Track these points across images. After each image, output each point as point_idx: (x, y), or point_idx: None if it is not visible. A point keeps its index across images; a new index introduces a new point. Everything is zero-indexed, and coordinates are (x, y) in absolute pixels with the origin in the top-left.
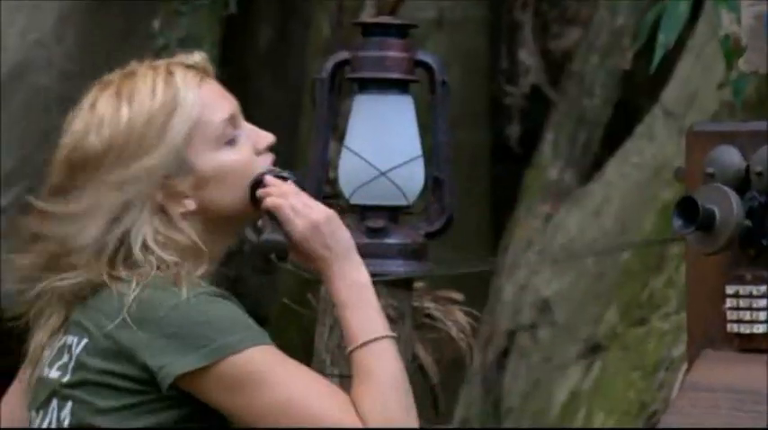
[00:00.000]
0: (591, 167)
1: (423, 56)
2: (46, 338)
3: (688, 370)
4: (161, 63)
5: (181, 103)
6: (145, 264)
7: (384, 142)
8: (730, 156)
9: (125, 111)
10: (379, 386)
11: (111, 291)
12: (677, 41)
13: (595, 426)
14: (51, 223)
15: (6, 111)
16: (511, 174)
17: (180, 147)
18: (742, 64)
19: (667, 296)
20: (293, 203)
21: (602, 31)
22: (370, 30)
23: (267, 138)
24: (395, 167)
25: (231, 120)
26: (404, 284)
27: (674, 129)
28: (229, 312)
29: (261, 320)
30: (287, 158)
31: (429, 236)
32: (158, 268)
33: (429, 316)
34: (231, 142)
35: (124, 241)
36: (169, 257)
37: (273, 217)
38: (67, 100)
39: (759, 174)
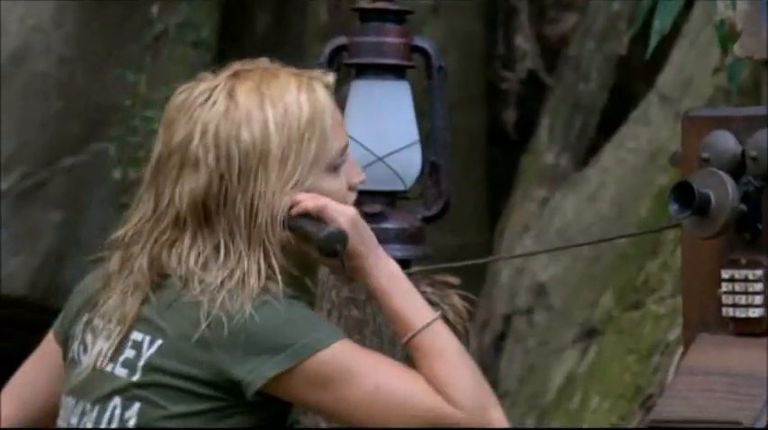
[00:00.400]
0: (587, 152)
1: (420, 41)
2: (116, 314)
3: (683, 353)
4: (302, 73)
5: (322, 123)
6: (237, 269)
7: (381, 127)
8: (726, 141)
9: (270, 112)
10: (455, 362)
11: (191, 292)
12: (673, 27)
13: (591, 410)
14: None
15: (6, 97)
16: (507, 159)
17: (309, 163)
18: (737, 49)
19: (663, 280)
20: (334, 204)
21: (598, 16)
22: (367, 15)
23: (360, 176)
24: (392, 152)
25: (344, 150)
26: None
27: (670, 115)
28: (304, 312)
29: None
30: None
31: (426, 220)
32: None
33: (426, 300)
34: (335, 169)
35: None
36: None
37: (315, 220)
38: (65, 85)
39: (754, 158)
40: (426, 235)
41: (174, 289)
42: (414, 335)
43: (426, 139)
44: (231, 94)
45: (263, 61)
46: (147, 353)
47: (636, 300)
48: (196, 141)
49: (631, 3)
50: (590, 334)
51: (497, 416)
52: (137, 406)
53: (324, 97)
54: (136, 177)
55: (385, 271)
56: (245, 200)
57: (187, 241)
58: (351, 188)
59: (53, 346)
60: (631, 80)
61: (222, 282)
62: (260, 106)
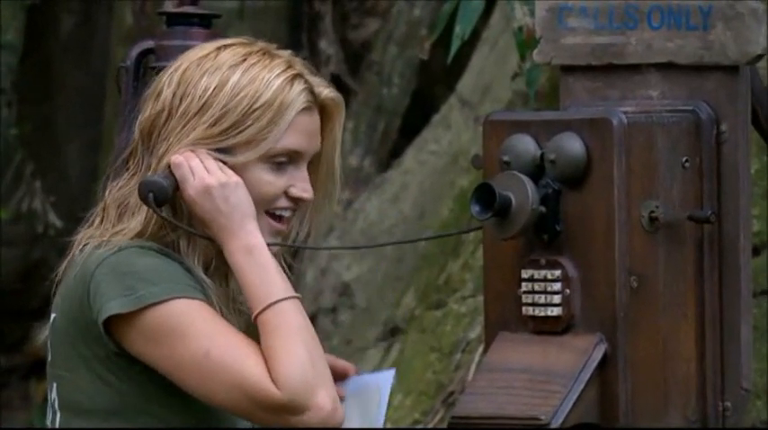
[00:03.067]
0: (389, 155)
1: None
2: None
3: (485, 351)
4: (299, 72)
5: (277, 113)
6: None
7: None
8: (525, 145)
9: (237, 76)
10: (291, 340)
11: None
12: (472, 33)
13: (394, 406)
14: None
15: None
16: None
17: (241, 140)
18: (535, 55)
19: (464, 280)
20: (193, 164)
21: (400, 22)
22: (173, 19)
23: (304, 192)
24: None
25: (292, 153)
26: None
27: (470, 118)
28: (157, 265)
29: None
30: (92, 143)
31: None
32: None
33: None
34: (274, 165)
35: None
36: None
37: (171, 174)
38: None
39: (553, 161)
40: None
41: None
42: (260, 312)
43: None
44: (220, 49)
45: (288, 52)
46: (50, 331)
47: (438, 299)
48: (167, 75)
49: (432, 9)
50: (393, 332)
51: (321, 400)
52: (54, 385)
53: (297, 96)
54: None
55: (242, 244)
56: (168, 141)
57: (129, 172)
58: (288, 195)
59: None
60: (432, 85)
61: (104, 231)
62: (232, 66)
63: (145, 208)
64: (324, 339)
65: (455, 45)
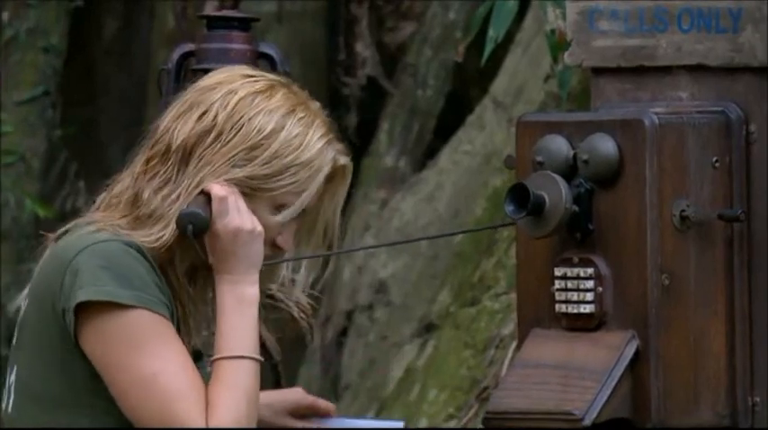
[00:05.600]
0: (424, 155)
1: (265, 48)
2: None
3: (518, 347)
4: (334, 138)
5: (310, 175)
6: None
7: None
8: (558, 145)
9: (289, 125)
10: (237, 397)
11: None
12: (506, 36)
13: (428, 402)
14: None
15: None
16: None
17: (274, 188)
18: (567, 57)
19: (497, 277)
20: (232, 202)
21: (435, 25)
22: (213, 22)
23: (286, 243)
24: None
25: (296, 212)
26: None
27: (503, 119)
28: (134, 268)
29: None
30: (134, 144)
31: None
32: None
33: (271, 296)
34: (278, 213)
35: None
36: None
37: (208, 203)
38: None
39: (585, 161)
40: None
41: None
42: (219, 358)
43: None
44: (273, 88)
45: (318, 105)
46: (21, 313)
47: (472, 296)
48: (219, 94)
49: (467, 12)
50: (428, 329)
51: None
52: (14, 368)
53: (328, 163)
54: None
55: (238, 290)
56: (211, 165)
57: (159, 177)
58: (273, 245)
59: None
60: (467, 86)
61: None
62: (286, 114)
63: (172, 226)
64: (360, 335)
65: (489, 47)
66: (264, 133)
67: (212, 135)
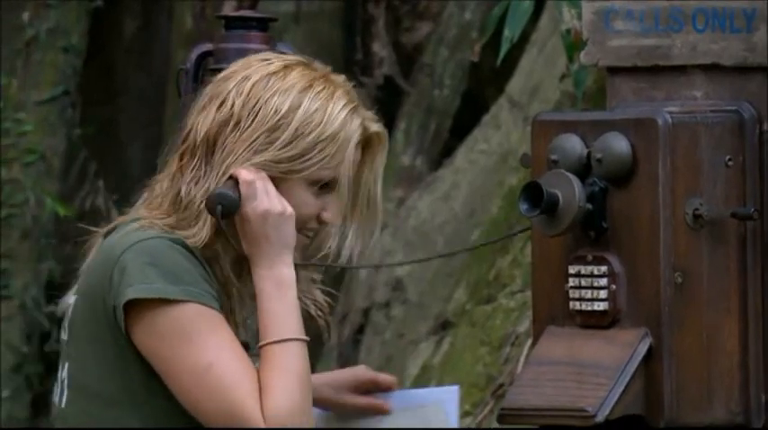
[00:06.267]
0: (441, 154)
1: (282, 47)
2: None
3: (533, 345)
4: (360, 106)
5: (336, 147)
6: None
7: None
8: (572, 144)
9: (307, 103)
10: (289, 380)
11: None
12: (521, 36)
13: None
14: None
15: None
16: None
17: (301, 167)
18: (582, 57)
19: (513, 275)
20: (260, 186)
21: (451, 25)
22: (231, 22)
23: (333, 218)
24: None
25: (334, 182)
26: None
27: (519, 118)
28: (182, 264)
29: None
30: (153, 143)
31: None
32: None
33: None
34: (318, 190)
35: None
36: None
37: (237, 188)
38: None
39: (599, 160)
40: None
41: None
42: (266, 344)
43: None
44: (288, 67)
45: (342, 78)
46: (70, 310)
47: (488, 294)
48: (234, 82)
49: (483, 12)
50: (444, 326)
51: None
52: (66, 365)
53: (355, 131)
54: (8, 178)
55: (274, 274)
56: (235, 153)
57: (192, 173)
58: (319, 220)
59: None
60: (482, 86)
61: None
62: (302, 91)
63: (209, 218)
64: (377, 333)
65: (504, 47)
66: (281, 113)
67: (231, 124)
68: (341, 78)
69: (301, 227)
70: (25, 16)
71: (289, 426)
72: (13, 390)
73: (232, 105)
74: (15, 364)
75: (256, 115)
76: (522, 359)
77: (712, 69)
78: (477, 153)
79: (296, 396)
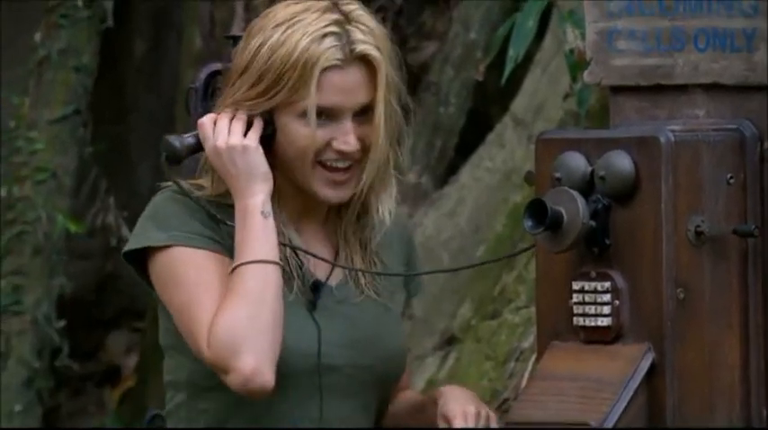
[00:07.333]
0: (446, 172)
1: None
2: None
3: (537, 360)
4: (346, 23)
5: (306, 72)
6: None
7: None
8: (576, 162)
9: (275, 36)
10: (232, 301)
11: None
12: (525, 55)
13: None
14: None
15: None
16: None
17: (278, 99)
18: (586, 76)
19: (518, 291)
20: (219, 126)
21: (457, 44)
22: (240, 42)
23: (347, 145)
24: None
25: (326, 111)
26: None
27: (523, 137)
28: (176, 212)
29: (139, 314)
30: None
31: None
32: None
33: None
34: (316, 122)
35: None
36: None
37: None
38: None
39: (602, 178)
40: None
41: None
42: (233, 269)
43: None
44: (287, 7)
45: (357, 5)
46: None
47: (493, 309)
48: (243, 43)
49: (487, 32)
50: (450, 342)
51: (242, 363)
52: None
53: (322, 55)
54: (20, 195)
55: (240, 206)
56: (220, 98)
57: None
58: (334, 149)
59: None
60: (487, 105)
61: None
62: (276, 26)
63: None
64: None
65: (509, 67)
66: (252, 52)
67: (227, 71)
68: (354, 5)
69: (321, 159)
70: (37, 37)
71: (228, 343)
72: (24, 405)
73: (233, 63)
74: (27, 379)
75: (239, 58)
76: (527, 374)
77: (713, 88)
78: (483, 170)
79: (239, 313)
